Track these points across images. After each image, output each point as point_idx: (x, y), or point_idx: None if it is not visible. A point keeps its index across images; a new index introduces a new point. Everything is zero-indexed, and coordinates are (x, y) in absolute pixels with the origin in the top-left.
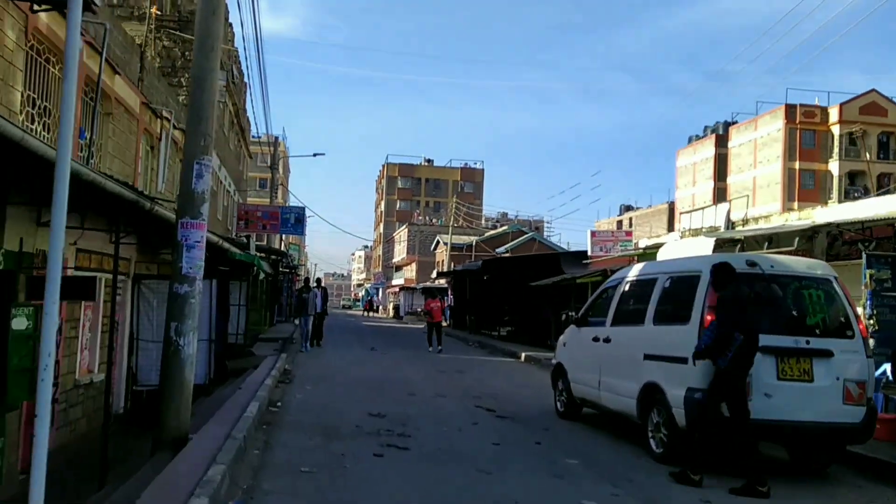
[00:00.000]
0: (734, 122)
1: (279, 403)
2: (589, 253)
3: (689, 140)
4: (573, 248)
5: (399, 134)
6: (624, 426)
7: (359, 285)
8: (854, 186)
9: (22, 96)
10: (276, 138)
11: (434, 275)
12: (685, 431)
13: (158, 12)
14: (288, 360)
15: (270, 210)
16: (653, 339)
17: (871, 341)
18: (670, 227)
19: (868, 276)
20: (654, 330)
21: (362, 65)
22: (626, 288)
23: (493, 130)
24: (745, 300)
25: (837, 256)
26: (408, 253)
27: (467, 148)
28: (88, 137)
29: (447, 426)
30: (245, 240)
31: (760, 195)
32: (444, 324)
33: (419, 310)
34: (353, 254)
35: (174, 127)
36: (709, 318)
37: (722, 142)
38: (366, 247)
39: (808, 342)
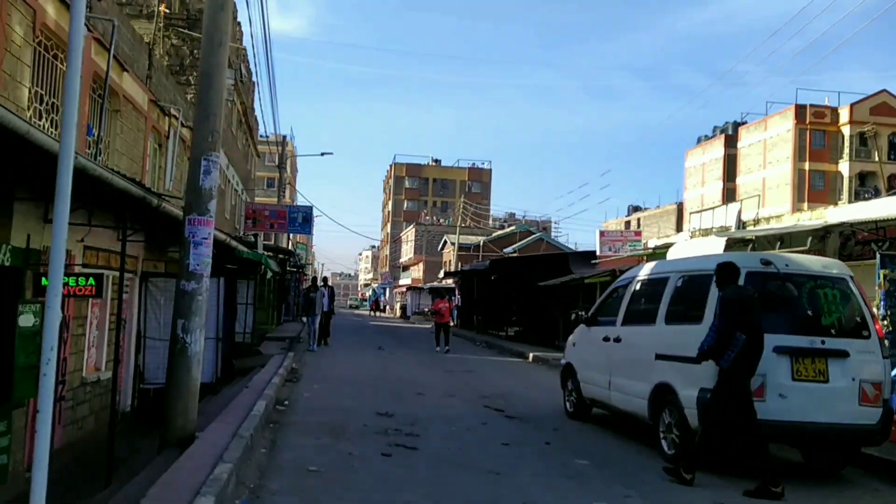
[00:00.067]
0: (744, 123)
1: (286, 402)
2: (598, 253)
3: (699, 140)
4: (581, 249)
5: (407, 134)
6: (634, 427)
7: (366, 285)
8: (864, 187)
9: (29, 92)
10: (284, 137)
11: (441, 274)
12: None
13: (167, 10)
14: (295, 359)
15: (278, 209)
16: (665, 339)
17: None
18: (678, 228)
19: (882, 276)
20: (666, 329)
21: (370, 65)
22: (637, 287)
23: (500, 131)
24: (749, 300)
25: (850, 256)
26: (415, 253)
27: (475, 148)
28: (96, 134)
29: (456, 426)
30: (253, 238)
31: (770, 196)
32: (451, 324)
33: (426, 310)
34: (361, 253)
35: (182, 125)
36: None
37: (731, 142)
38: (373, 247)
39: (823, 342)
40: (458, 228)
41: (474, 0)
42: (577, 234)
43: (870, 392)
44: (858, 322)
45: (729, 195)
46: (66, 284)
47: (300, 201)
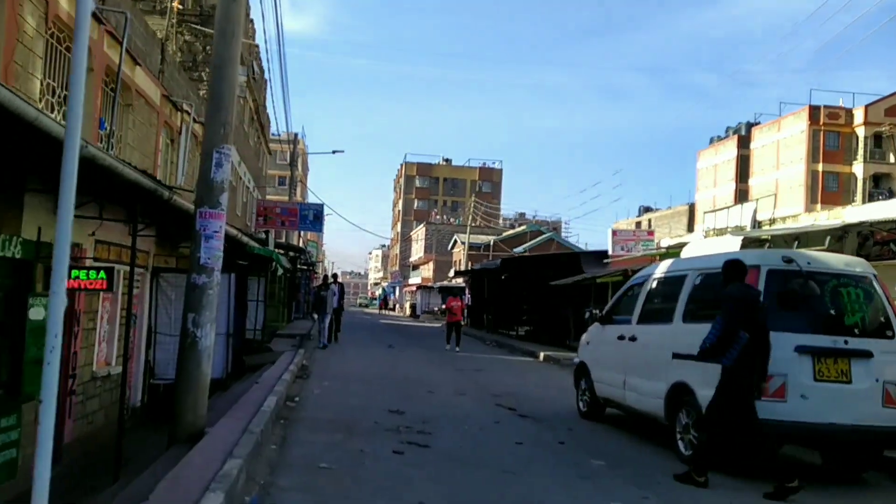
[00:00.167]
0: (757, 123)
1: (297, 399)
2: (610, 252)
3: (711, 141)
4: (591, 249)
5: (418, 133)
6: (649, 427)
7: (375, 284)
8: (878, 189)
9: (41, 84)
10: (296, 135)
11: (451, 274)
12: (723, 435)
13: (180, 6)
14: (305, 356)
15: (289, 206)
16: (682, 338)
17: None
18: (690, 229)
19: None
20: (683, 328)
21: (381, 63)
22: (654, 285)
23: (511, 130)
24: (753, 298)
25: (868, 257)
26: (425, 252)
27: (486, 148)
28: (108, 128)
29: (468, 424)
30: (264, 235)
31: (783, 197)
32: (462, 323)
33: (436, 308)
34: (371, 252)
35: (194, 120)
36: None
37: (744, 143)
38: (383, 246)
39: (846, 342)
40: (468, 228)
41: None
42: (588, 235)
43: (894, 393)
44: (882, 322)
45: (741, 196)
46: (76, 278)
47: (311, 199)
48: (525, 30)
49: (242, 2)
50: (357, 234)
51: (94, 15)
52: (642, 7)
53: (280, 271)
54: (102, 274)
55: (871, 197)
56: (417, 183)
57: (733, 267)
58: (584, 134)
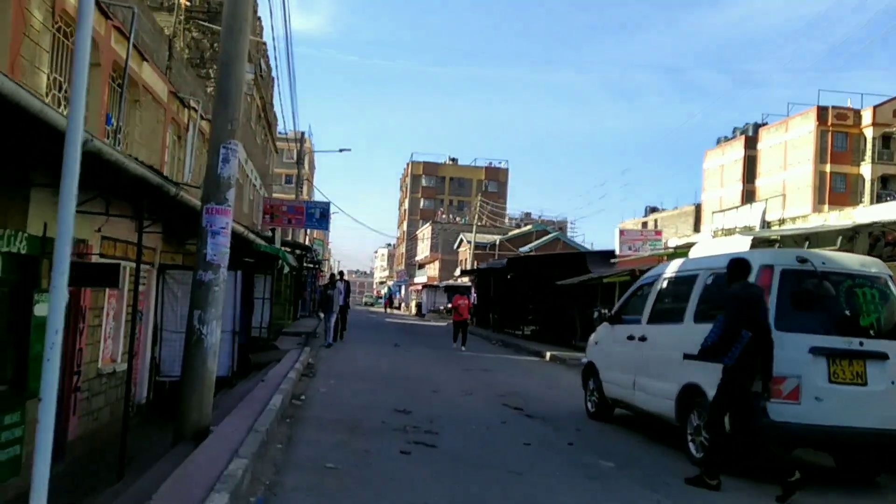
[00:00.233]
0: (764, 124)
1: (303, 397)
2: (617, 252)
3: (718, 141)
4: (597, 249)
5: (424, 132)
6: (658, 428)
7: (381, 283)
8: (886, 190)
9: (48, 79)
10: (303, 134)
11: (457, 273)
12: (728, 435)
13: (188, 3)
14: (311, 355)
15: (296, 205)
16: (693, 338)
17: None
18: (696, 229)
19: None
20: (694, 328)
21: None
22: (664, 285)
23: (517, 130)
24: (756, 297)
25: (880, 258)
26: (431, 251)
27: (492, 147)
28: (115, 124)
29: (475, 424)
30: (270, 233)
31: (790, 198)
32: (469, 322)
33: (441, 307)
34: (377, 251)
35: (202, 117)
36: None
37: (751, 143)
38: (389, 244)
39: (861, 343)
40: (474, 227)
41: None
42: (594, 235)
43: None
44: None
45: (748, 197)
46: (82, 274)
47: (317, 198)
48: (532, 29)
49: None
50: (363, 233)
51: (100, 9)
52: (650, 7)
53: (286, 269)
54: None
55: (879, 198)
56: (424, 182)
57: (737, 265)
58: (590, 133)
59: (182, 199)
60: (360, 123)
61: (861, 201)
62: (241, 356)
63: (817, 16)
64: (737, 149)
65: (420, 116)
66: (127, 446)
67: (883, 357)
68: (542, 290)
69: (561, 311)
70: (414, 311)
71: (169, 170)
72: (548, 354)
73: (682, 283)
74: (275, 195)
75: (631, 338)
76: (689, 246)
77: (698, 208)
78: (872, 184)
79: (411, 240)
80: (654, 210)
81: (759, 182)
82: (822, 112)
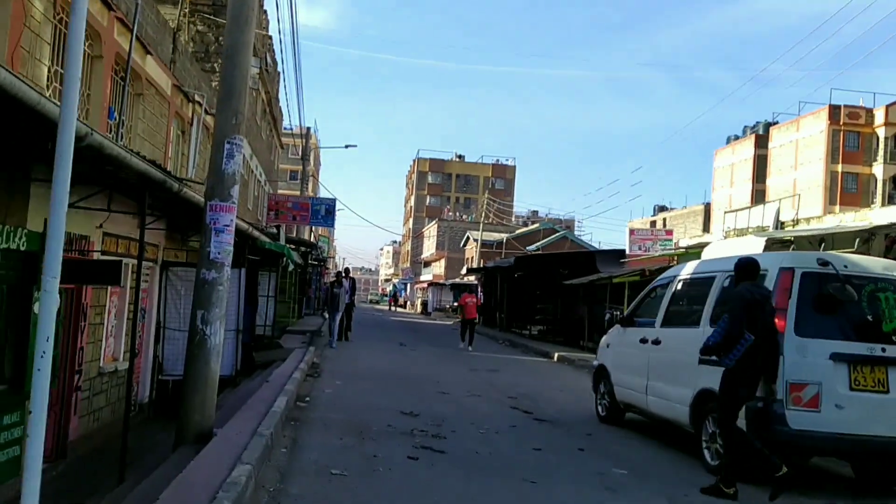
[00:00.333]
0: (775, 123)
1: (307, 399)
2: (627, 251)
3: (728, 140)
4: (605, 248)
5: (431, 129)
6: (671, 434)
7: (386, 280)
8: None
9: (49, 71)
10: (308, 129)
11: (464, 271)
12: (746, 442)
13: None
14: (316, 354)
15: (301, 201)
16: None
17: None
18: (705, 229)
19: None
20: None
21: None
22: (679, 287)
23: (525, 127)
24: (761, 300)
25: None
26: (437, 249)
27: (499, 145)
28: (118, 118)
29: (484, 428)
30: (275, 230)
31: (801, 198)
32: (476, 321)
33: (447, 306)
34: (382, 249)
35: (206, 112)
36: (776, 321)
37: (762, 142)
38: (394, 242)
39: (883, 350)
40: (481, 225)
41: None
42: (601, 234)
43: None
44: None
45: (758, 196)
46: (83, 271)
47: (323, 195)
48: (542, 25)
49: None
50: (368, 230)
51: (103, 1)
52: (662, 3)
53: (291, 266)
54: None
55: (891, 199)
56: (430, 179)
57: (745, 266)
58: (597, 132)
59: (185, 196)
60: (366, 119)
61: (873, 202)
62: (245, 355)
63: (829, 14)
64: (747, 148)
65: (427, 113)
66: (128, 447)
67: None
68: (549, 290)
69: (569, 310)
70: (419, 309)
71: (172, 165)
72: (555, 355)
73: (699, 285)
74: (280, 191)
75: (644, 341)
76: (700, 246)
77: (707, 207)
78: (885, 184)
79: (417, 237)
80: (662, 209)
81: (769, 181)
82: (834, 111)
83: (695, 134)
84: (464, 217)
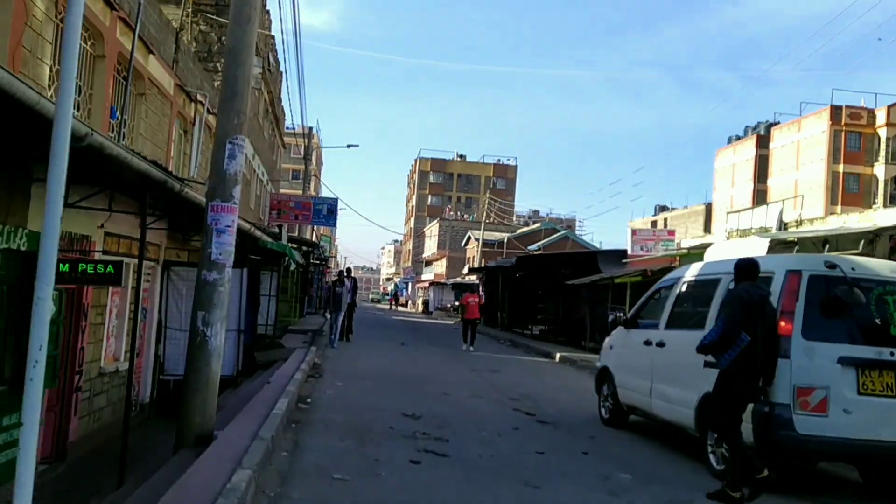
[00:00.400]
0: (776, 123)
1: (309, 400)
2: (629, 251)
3: (729, 140)
4: (606, 248)
5: (432, 129)
6: (675, 437)
7: (388, 279)
8: None
9: (51, 70)
10: (311, 129)
11: (465, 270)
12: (752, 447)
13: None
14: (317, 354)
15: (303, 200)
16: None
17: None
18: (706, 229)
19: None
20: None
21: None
22: (684, 288)
23: (525, 127)
24: (758, 301)
25: None
26: (438, 248)
27: (500, 145)
28: (120, 117)
29: (486, 431)
30: (277, 229)
31: (803, 199)
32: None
33: (449, 305)
34: (383, 248)
35: (208, 111)
36: (783, 324)
37: (763, 143)
38: (396, 241)
39: (892, 354)
40: (482, 224)
41: None
42: (602, 234)
43: None
44: None
45: (760, 197)
46: (84, 271)
47: (325, 194)
48: (542, 25)
49: None
50: (370, 230)
51: (106, 0)
52: (662, 3)
53: (293, 266)
54: (111, 268)
55: (892, 199)
56: (431, 179)
57: (745, 267)
58: (598, 132)
59: (187, 196)
60: (368, 119)
61: (875, 202)
62: (246, 354)
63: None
64: (748, 148)
65: (428, 113)
66: (128, 448)
67: None
68: (551, 290)
69: (571, 311)
70: (421, 308)
71: (175, 165)
72: (557, 355)
73: (704, 287)
74: (282, 191)
75: (648, 343)
76: (703, 247)
77: (709, 208)
78: (886, 184)
79: (418, 237)
80: (663, 209)
81: (770, 182)
82: (835, 111)
83: (697, 134)
84: (465, 216)
